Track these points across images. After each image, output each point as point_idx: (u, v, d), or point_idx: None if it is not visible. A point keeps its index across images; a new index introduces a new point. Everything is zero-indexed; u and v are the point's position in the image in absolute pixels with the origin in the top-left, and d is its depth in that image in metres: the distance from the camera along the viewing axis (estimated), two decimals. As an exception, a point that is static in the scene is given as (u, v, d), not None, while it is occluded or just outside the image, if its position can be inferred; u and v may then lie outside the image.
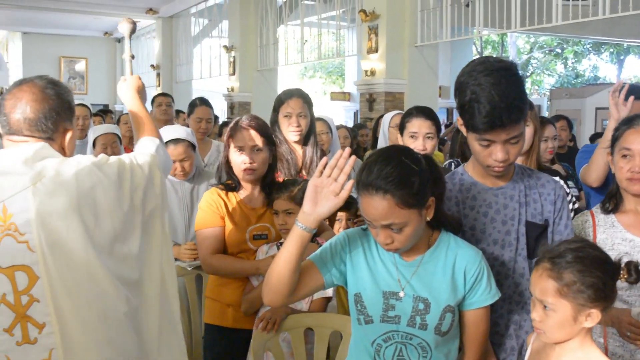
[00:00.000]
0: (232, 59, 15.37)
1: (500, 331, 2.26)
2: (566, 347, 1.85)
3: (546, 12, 8.95)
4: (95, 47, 22.67)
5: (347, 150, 1.95)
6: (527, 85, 29.11)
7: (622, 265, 1.89)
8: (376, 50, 10.57)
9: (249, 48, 15.16)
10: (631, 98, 3.22)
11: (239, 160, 3.03)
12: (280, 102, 3.69)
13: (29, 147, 2.02)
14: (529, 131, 3.36)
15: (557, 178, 3.41)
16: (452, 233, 2.13)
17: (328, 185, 1.91)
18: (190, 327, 3.55)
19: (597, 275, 1.78)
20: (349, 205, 3.53)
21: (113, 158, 2.16)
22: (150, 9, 18.28)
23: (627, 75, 28.20)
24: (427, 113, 3.43)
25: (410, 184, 1.90)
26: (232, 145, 3.06)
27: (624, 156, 2.45)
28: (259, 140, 3.04)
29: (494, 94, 2.00)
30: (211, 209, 3.04)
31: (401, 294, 2.03)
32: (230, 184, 3.14)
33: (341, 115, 19.01)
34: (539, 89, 28.37)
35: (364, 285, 2.07)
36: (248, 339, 2.91)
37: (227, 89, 15.56)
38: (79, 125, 6.36)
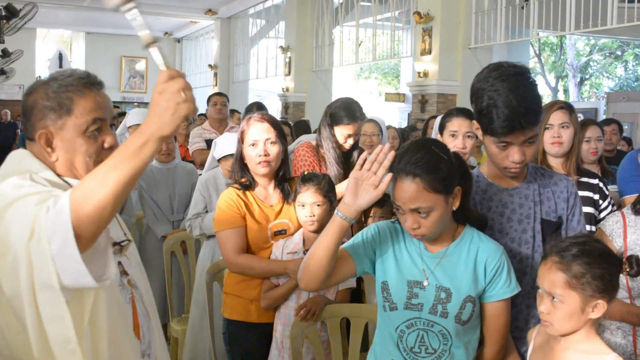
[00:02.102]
0: (287, 60, 15.60)
1: (520, 325, 2.35)
2: (571, 339, 1.93)
3: (601, 14, 8.90)
4: (155, 47, 23.19)
5: (387, 145, 2.07)
6: (586, 88, 28.67)
7: (624, 259, 1.97)
8: (429, 52, 10.65)
9: (305, 49, 15.36)
10: None
11: (254, 154, 3.08)
12: (337, 119, 3.80)
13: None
14: (569, 133, 3.44)
15: (596, 180, 3.51)
16: (478, 229, 2.24)
17: (368, 179, 2.03)
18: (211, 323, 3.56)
19: (604, 267, 1.87)
20: (383, 202, 3.63)
21: (26, 190, 1.59)
22: (210, 10, 18.65)
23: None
24: (466, 113, 3.55)
25: (439, 170, 2.05)
26: (246, 141, 3.12)
27: None
28: (272, 133, 3.11)
29: (511, 99, 2.10)
30: (231, 209, 3.07)
31: (425, 283, 2.15)
32: (245, 182, 3.17)
33: (395, 116, 19.05)
34: (598, 92, 27.89)
35: (391, 274, 2.20)
36: (271, 333, 3.04)
37: (282, 89, 15.79)
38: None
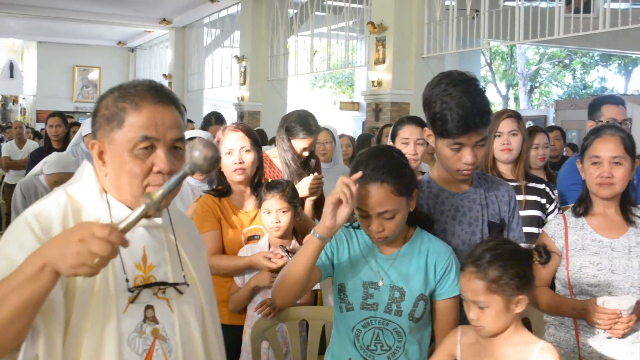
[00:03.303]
0: (242, 69, 15.66)
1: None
2: (503, 335, 2.07)
3: (549, 24, 9.20)
4: (108, 56, 23.03)
5: (359, 173, 2.15)
6: (536, 95, 29.30)
7: (533, 250, 2.11)
8: (383, 62, 10.82)
9: (260, 58, 15.44)
10: None
11: (229, 162, 3.22)
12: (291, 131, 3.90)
13: None
14: (517, 140, 3.60)
15: (543, 185, 3.67)
16: (425, 229, 2.36)
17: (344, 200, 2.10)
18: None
19: (518, 265, 2.02)
20: None
21: None
22: (164, 19, 18.63)
23: (635, 86, 28.34)
24: (417, 121, 3.73)
25: (403, 174, 2.19)
26: (222, 150, 3.22)
27: (594, 163, 2.67)
28: (246, 142, 3.24)
29: (465, 100, 2.23)
30: (208, 214, 3.17)
31: (380, 284, 2.26)
32: (221, 189, 3.30)
33: (350, 124, 19.24)
34: (547, 99, 28.52)
35: (347, 277, 2.30)
36: (241, 334, 3.12)
37: (238, 98, 15.84)
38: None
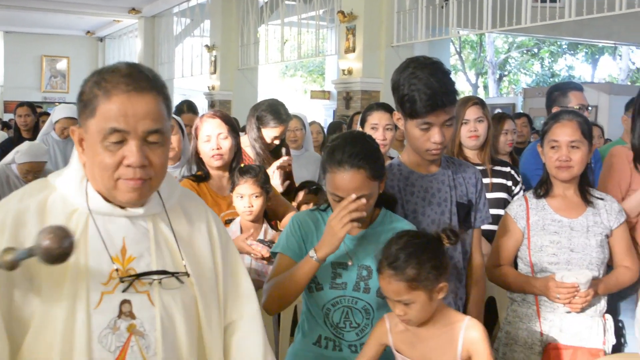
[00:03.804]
0: (213, 58, 15.62)
1: None
2: (430, 321, 2.15)
3: (516, 13, 9.32)
4: (77, 46, 22.77)
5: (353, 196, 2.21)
6: (505, 84, 29.58)
7: (440, 234, 2.18)
8: (353, 50, 10.89)
9: (230, 47, 15.41)
10: None
11: (207, 148, 3.32)
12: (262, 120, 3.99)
13: None
14: (484, 126, 3.71)
15: (508, 168, 3.80)
16: (390, 209, 2.45)
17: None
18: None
19: (432, 256, 2.09)
20: (317, 191, 3.86)
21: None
22: (133, 9, 18.46)
23: (601, 74, 28.77)
24: (386, 107, 3.84)
25: (377, 159, 2.28)
26: (200, 137, 3.35)
27: (553, 147, 2.79)
28: (223, 129, 3.34)
29: (432, 81, 2.34)
30: None
31: (349, 263, 2.34)
32: (200, 174, 3.40)
33: (321, 113, 19.30)
34: (516, 88, 28.83)
35: None
36: None
37: (208, 87, 15.80)
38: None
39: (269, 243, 3.06)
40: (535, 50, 28.82)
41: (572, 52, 28.72)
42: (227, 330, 1.89)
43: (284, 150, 4.15)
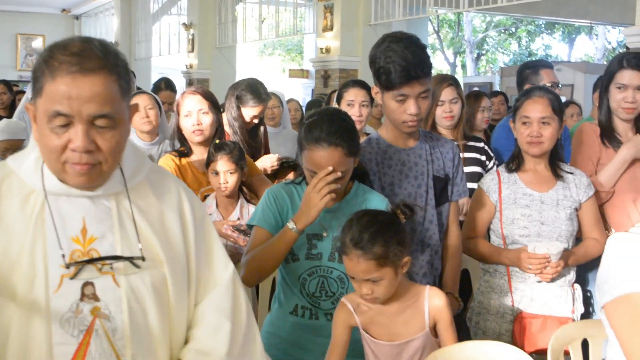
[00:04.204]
0: (190, 37, 15.54)
1: (416, 270, 2.64)
2: (395, 297, 2.19)
3: (493, -8, 9.38)
4: (52, 24, 22.49)
5: (330, 168, 2.28)
6: (482, 63, 29.71)
7: (396, 210, 2.24)
8: (331, 29, 10.91)
9: (208, 25, 15.32)
10: None
11: (188, 124, 3.38)
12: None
13: None
14: (458, 107, 3.78)
15: (481, 143, 3.89)
16: (361, 182, 2.52)
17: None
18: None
19: (395, 232, 2.14)
20: (297, 167, 3.91)
21: None
22: (109, -14, 18.29)
23: (577, 54, 28.99)
24: (362, 84, 3.92)
25: (353, 137, 2.34)
26: (181, 113, 3.41)
27: (524, 123, 2.86)
28: (204, 104, 3.39)
29: (407, 53, 2.41)
30: None
31: (324, 234, 2.42)
32: (182, 150, 3.46)
33: (299, 92, 19.29)
34: (494, 67, 28.98)
35: None
36: None
37: (186, 66, 15.73)
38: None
39: (246, 230, 3.09)
40: (513, 29, 28.94)
41: (549, 31, 28.87)
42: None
43: (261, 129, 4.18)
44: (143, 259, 1.63)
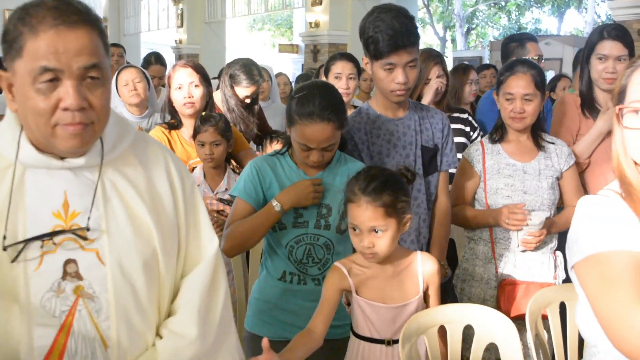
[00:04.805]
0: (180, 11, 15.50)
1: (404, 238, 2.71)
2: (389, 261, 2.22)
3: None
4: (40, -1, 22.31)
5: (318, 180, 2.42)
6: (472, 37, 29.69)
7: (399, 172, 2.29)
8: (320, 3, 10.92)
9: (197, 0, 15.28)
10: None
11: (179, 96, 3.44)
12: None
13: None
14: (443, 82, 3.84)
15: (466, 115, 3.96)
16: (341, 150, 2.57)
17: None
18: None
19: (401, 185, 2.19)
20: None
21: None
22: (97, -39, 18.15)
23: (567, 27, 28.99)
24: (349, 57, 3.97)
25: (343, 110, 2.41)
26: (172, 85, 3.47)
27: (507, 99, 2.93)
28: (195, 77, 3.46)
29: (395, 23, 2.49)
30: None
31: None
32: (173, 122, 3.52)
33: (289, 67, 19.26)
34: (483, 41, 28.97)
35: None
36: None
37: (175, 41, 15.71)
38: None
39: (231, 201, 3.12)
40: (503, 3, 28.92)
41: (538, 5, 28.86)
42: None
43: (256, 108, 4.24)
44: (88, 228, 1.53)
